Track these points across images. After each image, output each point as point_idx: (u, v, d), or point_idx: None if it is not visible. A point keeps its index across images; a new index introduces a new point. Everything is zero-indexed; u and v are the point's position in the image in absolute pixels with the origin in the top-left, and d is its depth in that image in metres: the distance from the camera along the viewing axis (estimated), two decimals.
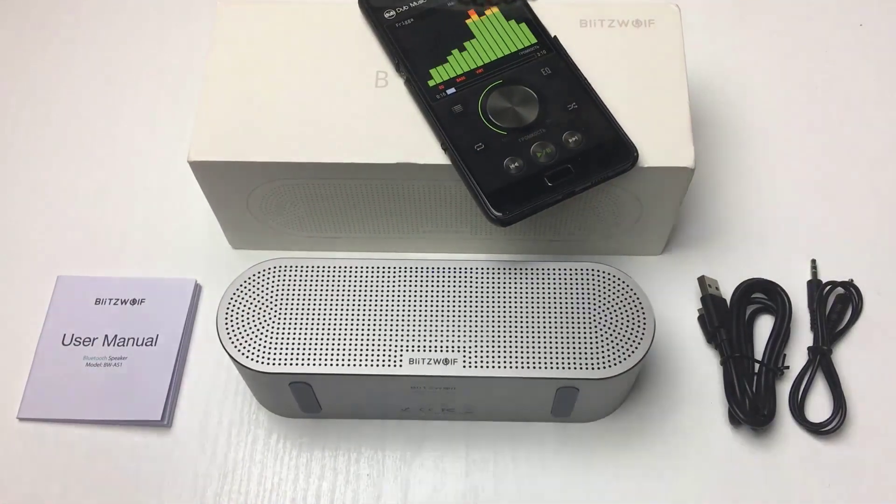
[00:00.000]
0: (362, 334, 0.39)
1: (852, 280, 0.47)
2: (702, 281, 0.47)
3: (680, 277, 0.48)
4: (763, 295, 0.47)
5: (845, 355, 0.46)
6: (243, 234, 0.48)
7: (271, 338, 0.39)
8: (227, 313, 0.40)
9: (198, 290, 0.48)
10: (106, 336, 0.46)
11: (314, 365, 0.39)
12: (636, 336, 0.39)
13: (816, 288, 0.47)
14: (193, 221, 0.50)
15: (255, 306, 0.40)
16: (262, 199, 0.44)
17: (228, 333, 0.39)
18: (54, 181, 0.52)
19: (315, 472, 0.44)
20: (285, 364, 0.39)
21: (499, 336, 0.39)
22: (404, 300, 0.40)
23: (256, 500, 0.43)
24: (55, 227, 0.51)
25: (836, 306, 0.47)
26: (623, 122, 0.41)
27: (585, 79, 0.42)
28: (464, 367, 0.39)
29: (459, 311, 0.40)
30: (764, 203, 0.51)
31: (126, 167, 0.52)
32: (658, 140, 0.41)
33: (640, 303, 0.40)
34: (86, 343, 0.46)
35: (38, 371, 0.45)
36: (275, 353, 0.39)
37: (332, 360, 0.39)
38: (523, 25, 0.44)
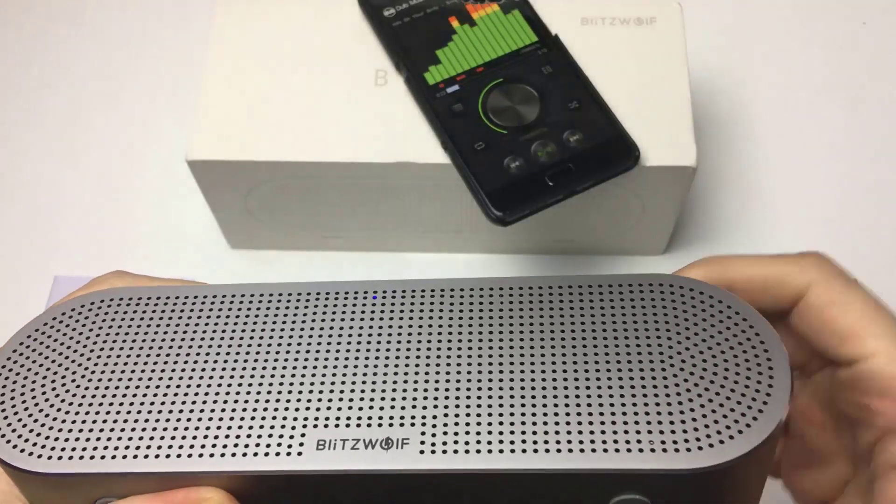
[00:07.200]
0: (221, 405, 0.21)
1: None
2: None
3: None
4: None
5: None
6: (242, 234, 0.48)
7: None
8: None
9: None
10: None
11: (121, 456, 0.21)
12: (755, 395, 0.22)
13: None
14: (191, 221, 0.50)
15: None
16: (260, 198, 0.44)
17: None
18: (50, 180, 0.52)
19: None
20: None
21: (495, 399, 0.22)
22: (302, 346, 0.23)
23: None
24: (52, 226, 0.50)
25: None
26: (624, 121, 0.41)
27: (586, 77, 0.42)
28: (421, 451, 0.21)
29: (408, 361, 0.23)
30: (767, 202, 0.50)
31: (123, 166, 0.52)
32: (660, 139, 0.41)
33: (760, 337, 0.23)
34: None
35: None
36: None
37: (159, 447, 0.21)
38: (524, 23, 0.43)
